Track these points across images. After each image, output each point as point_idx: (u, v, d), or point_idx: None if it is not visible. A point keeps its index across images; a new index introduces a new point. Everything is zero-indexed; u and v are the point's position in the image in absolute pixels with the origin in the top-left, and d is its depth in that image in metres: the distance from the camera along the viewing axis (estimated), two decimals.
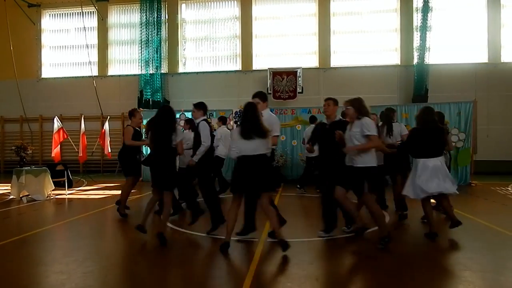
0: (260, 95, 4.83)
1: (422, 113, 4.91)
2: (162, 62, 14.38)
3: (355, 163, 4.34)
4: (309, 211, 6.94)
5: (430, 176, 4.70)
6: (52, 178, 8.54)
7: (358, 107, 4.42)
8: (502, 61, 13.12)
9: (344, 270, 3.94)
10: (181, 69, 14.83)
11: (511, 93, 12.81)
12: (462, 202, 7.10)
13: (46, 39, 15.66)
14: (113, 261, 4.25)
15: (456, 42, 13.35)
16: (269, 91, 13.37)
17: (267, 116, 4.70)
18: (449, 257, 4.38)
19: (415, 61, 13.09)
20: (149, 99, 14.12)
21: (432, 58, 13.01)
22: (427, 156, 4.78)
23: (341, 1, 13.99)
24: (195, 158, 5.13)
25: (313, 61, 14.08)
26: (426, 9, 12.92)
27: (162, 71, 14.38)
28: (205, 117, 5.39)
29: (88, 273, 3.73)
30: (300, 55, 14.16)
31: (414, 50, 13.12)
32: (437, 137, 4.83)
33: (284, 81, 13.36)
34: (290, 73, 13.36)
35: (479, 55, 13.27)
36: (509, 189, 9.22)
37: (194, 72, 14.57)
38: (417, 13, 13.08)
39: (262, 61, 14.26)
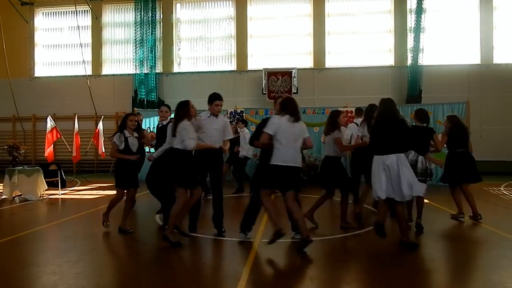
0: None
1: (378, 105, 4.65)
2: (156, 62, 14.31)
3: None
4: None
5: (385, 177, 4.33)
6: (45, 178, 8.48)
7: (278, 106, 4.49)
8: (494, 62, 13.25)
9: (339, 270, 3.94)
10: (176, 69, 14.77)
11: (503, 94, 12.94)
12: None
13: (39, 37, 15.51)
14: (106, 262, 4.23)
15: (449, 44, 13.46)
16: (264, 91, 13.38)
17: (221, 118, 5.14)
18: (442, 257, 4.41)
19: (409, 62, 13.18)
20: (143, 99, 14.05)
21: (426, 59, 13.10)
22: (382, 152, 4.40)
23: (336, 2, 14.04)
24: (155, 155, 5.28)
25: (308, 62, 14.11)
26: (419, 10, 13.01)
27: (157, 71, 14.31)
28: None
29: (81, 274, 3.71)
30: (295, 55, 14.17)
31: (408, 51, 13.21)
32: (393, 131, 4.36)
33: (279, 82, 13.37)
34: (285, 74, 13.37)
35: (472, 57, 13.40)
36: (501, 189, 9.32)
37: (189, 72, 14.53)
38: (411, 14, 13.17)
39: (257, 61, 14.26)
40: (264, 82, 13.41)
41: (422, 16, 12.98)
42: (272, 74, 13.41)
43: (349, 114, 11.81)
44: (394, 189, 4.32)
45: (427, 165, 5.13)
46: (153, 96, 14.10)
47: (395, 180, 4.30)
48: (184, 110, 4.59)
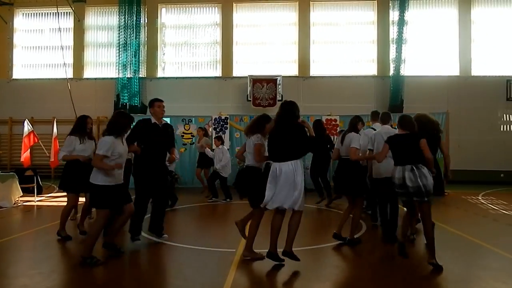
0: None
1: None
2: (140, 66, 14.10)
3: None
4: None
5: (273, 185, 4.04)
6: (20, 184, 8.21)
7: None
8: (472, 74, 13.68)
9: (324, 278, 3.91)
10: (160, 74, 14.60)
11: (481, 105, 13.33)
12: (435, 210, 7.25)
13: (19, 39, 15.08)
14: (80, 273, 4.06)
15: (430, 55, 13.82)
16: (249, 98, 13.37)
17: None
18: (420, 266, 4.43)
19: (391, 72, 13.43)
20: (126, 104, 13.79)
21: (407, 69, 13.39)
22: (272, 159, 4.16)
23: (321, 12, 14.22)
24: None
25: (293, 70, 14.21)
26: (401, 22, 13.32)
27: (140, 75, 14.10)
28: None
29: (54, 287, 3.54)
30: (280, 63, 14.23)
31: (390, 61, 13.46)
32: (280, 137, 4.04)
33: (264, 89, 13.40)
34: (270, 81, 13.42)
35: (451, 68, 13.78)
36: (479, 198, 9.53)
37: (174, 77, 14.38)
38: (393, 26, 13.46)
39: (242, 68, 14.25)
40: (249, 89, 13.41)
41: (404, 27, 13.29)
42: (257, 81, 13.42)
43: (333, 122, 11.96)
44: (276, 198, 4.00)
45: (420, 181, 4.12)
46: (136, 101, 13.88)
47: (277, 187, 3.99)
48: (76, 123, 5.40)
